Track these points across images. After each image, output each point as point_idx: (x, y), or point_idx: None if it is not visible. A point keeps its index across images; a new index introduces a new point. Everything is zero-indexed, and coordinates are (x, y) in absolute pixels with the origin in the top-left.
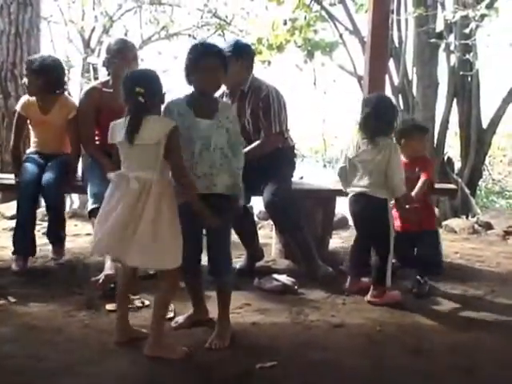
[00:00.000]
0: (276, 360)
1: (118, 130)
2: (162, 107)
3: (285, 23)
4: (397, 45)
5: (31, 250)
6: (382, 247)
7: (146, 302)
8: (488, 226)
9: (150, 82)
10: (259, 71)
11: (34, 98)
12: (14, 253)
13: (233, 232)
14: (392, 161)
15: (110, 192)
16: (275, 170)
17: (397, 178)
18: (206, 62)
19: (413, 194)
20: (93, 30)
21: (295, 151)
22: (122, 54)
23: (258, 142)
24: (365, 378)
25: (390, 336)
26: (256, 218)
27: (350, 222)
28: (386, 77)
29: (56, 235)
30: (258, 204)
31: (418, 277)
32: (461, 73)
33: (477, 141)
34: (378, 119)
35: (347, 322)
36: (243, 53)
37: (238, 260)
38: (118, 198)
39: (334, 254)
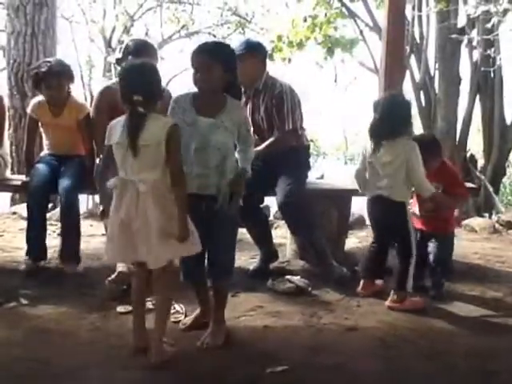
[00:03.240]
0: (287, 364)
1: (115, 130)
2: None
3: (305, 20)
4: (418, 41)
5: (42, 253)
6: (403, 250)
7: None
8: (509, 225)
9: (148, 86)
10: (279, 68)
11: (44, 101)
12: (26, 254)
13: (246, 232)
14: (411, 160)
15: (116, 198)
16: (289, 169)
17: (420, 177)
18: (197, 59)
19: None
20: (114, 29)
21: (310, 150)
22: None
23: (271, 140)
24: (378, 383)
25: (405, 340)
26: (272, 218)
27: (367, 222)
28: (408, 73)
29: (70, 253)
30: (274, 204)
31: (436, 279)
32: (483, 68)
33: (500, 137)
34: (389, 122)
35: (361, 325)
36: (255, 50)
37: (253, 261)
38: (127, 203)
39: (350, 255)
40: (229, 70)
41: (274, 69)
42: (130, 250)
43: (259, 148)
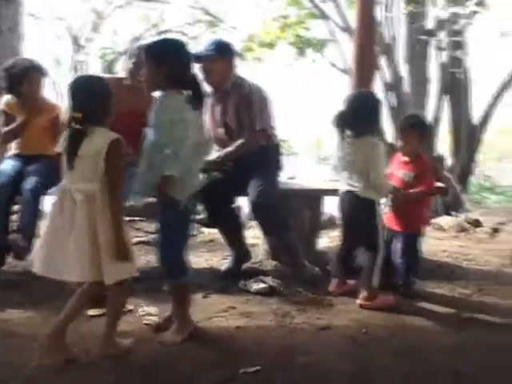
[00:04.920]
0: (260, 364)
1: (63, 139)
2: None
3: (276, 20)
4: (389, 41)
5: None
6: (370, 247)
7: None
8: (477, 224)
9: (89, 103)
10: (250, 69)
11: (14, 100)
12: None
13: (217, 232)
14: (371, 161)
15: (54, 206)
16: (260, 169)
17: (378, 178)
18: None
19: (403, 195)
20: (81, 27)
21: (281, 150)
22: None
23: (241, 140)
24: (350, 381)
25: (377, 338)
26: (244, 219)
27: (339, 222)
28: (378, 73)
29: (27, 225)
30: (246, 204)
31: (405, 276)
32: (451, 70)
33: (467, 137)
34: (354, 116)
35: (333, 324)
36: (223, 51)
37: (225, 261)
38: (64, 212)
39: (322, 254)
40: (162, 63)
41: (247, 68)
42: (59, 264)
43: (229, 149)
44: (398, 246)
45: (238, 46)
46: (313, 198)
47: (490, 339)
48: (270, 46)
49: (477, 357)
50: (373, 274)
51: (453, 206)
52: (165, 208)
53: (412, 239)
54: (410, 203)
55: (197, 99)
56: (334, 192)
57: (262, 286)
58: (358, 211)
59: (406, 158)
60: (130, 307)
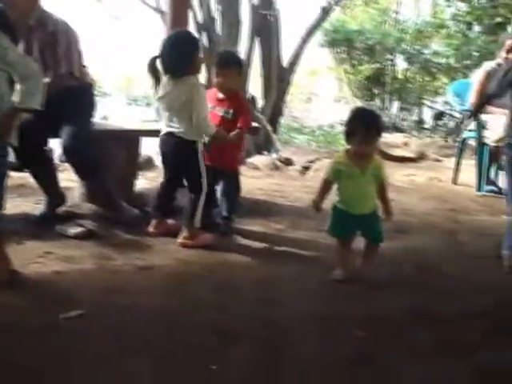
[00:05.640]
0: (82, 309)
1: None
2: None
3: None
4: None
5: None
6: (194, 187)
7: None
8: (288, 162)
9: None
10: (57, 1)
11: None
12: None
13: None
14: (194, 101)
15: None
16: (72, 111)
17: (200, 119)
18: None
19: (226, 136)
20: None
21: (94, 90)
22: None
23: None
24: (171, 318)
25: (197, 275)
26: (58, 161)
27: (157, 163)
28: (190, 14)
29: None
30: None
31: (226, 215)
32: (262, 12)
33: (277, 79)
34: (169, 57)
35: (154, 263)
36: None
37: (38, 206)
38: None
39: (141, 196)
40: None
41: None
42: None
43: None
44: (219, 184)
45: None
46: (130, 139)
47: (296, 270)
48: None
49: (291, 288)
50: (195, 214)
51: (264, 146)
52: None
53: (233, 177)
54: (230, 142)
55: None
56: (151, 133)
57: (79, 229)
58: (181, 153)
59: (222, 95)
60: None
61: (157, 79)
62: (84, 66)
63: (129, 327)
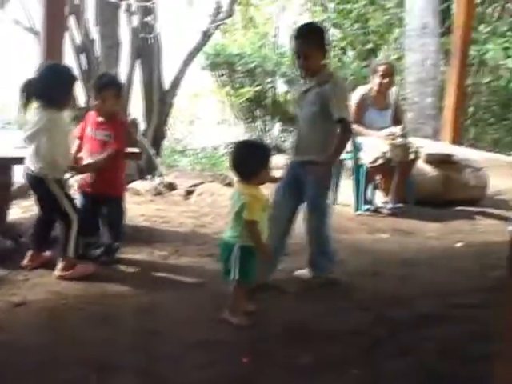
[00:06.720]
0: None
1: None
2: None
3: None
4: (77, 2)
5: None
6: (62, 218)
7: None
8: (171, 187)
9: None
10: None
11: None
12: None
13: None
14: (48, 138)
15: None
16: None
17: (55, 157)
18: None
19: (92, 161)
20: None
21: None
22: None
23: None
24: (48, 354)
25: (76, 308)
26: None
27: (31, 191)
28: (67, 35)
29: None
30: None
31: (108, 243)
32: (142, 35)
33: (159, 102)
34: (43, 89)
35: (29, 298)
36: None
37: None
38: None
39: (15, 226)
40: None
41: None
42: None
43: None
44: (103, 210)
45: None
46: (1, 167)
47: (179, 298)
48: None
49: (171, 316)
50: (68, 243)
51: (147, 170)
52: None
53: (115, 203)
54: (107, 167)
55: None
56: (22, 160)
57: None
58: (34, 185)
59: (101, 119)
60: None
61: (26, 103)
62: None
63: (3, 366)
